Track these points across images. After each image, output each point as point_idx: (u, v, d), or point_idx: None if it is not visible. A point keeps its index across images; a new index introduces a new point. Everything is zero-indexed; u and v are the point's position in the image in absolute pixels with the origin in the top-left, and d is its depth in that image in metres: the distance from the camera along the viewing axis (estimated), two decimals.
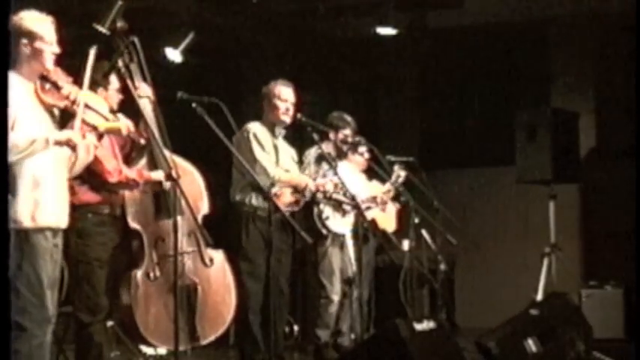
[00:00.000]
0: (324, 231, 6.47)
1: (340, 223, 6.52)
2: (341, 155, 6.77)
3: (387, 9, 8.48)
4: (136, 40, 4.70)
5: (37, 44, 4.14)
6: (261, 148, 5.91)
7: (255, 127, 5.98)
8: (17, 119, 4.02)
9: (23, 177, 4.05)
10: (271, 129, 6.05)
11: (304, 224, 6.25)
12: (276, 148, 6.05)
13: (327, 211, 6.48)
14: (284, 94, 6.05)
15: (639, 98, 6.59)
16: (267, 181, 5.70)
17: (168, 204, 5.08)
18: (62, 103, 4.18)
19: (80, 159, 4.30)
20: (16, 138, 3.96)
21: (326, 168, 6.36)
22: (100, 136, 4.38)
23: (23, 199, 4.05)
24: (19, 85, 4.11)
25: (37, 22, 4.17)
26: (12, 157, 3.94)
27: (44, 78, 4.18)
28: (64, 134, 4.13)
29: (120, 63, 4.69)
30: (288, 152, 6.21)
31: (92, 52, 4.36)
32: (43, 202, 4.10)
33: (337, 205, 6.48)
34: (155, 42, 7.91)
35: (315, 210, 6.45)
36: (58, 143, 4.08)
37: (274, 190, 5.73)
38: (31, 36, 4.14)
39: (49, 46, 4.18)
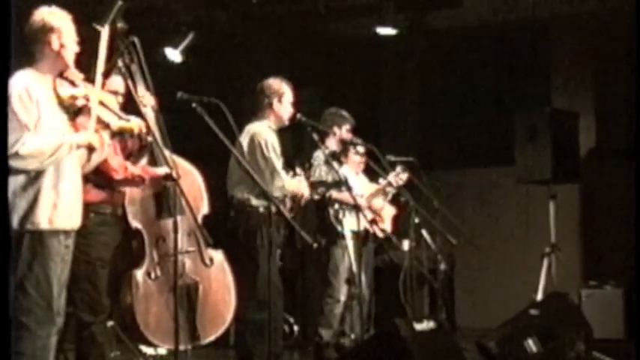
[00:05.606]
0: (340, 229, 6.44)
1: (352, 223, 6.48)
2: (341, 155, 6.76)
3: (387, 9, 8.48)
4: (136, 40, 4.69)
5: (64, 41, 4.11)
6: (278, 158, 5.63)
7: (267, 134, 5.66)
8: (41, 118, 4.00)
9: (44, 180, 4.03)
10: (275, 131, 5.78)
11: (317, 225, 6.24)
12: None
13: (344, 211, 6.45)
14: (291, 94, 5.80)
15: (639, 98, 6.58)
16: (282, 192, 5.53)
17: (169, 203, 5.08)
18: (80, 102, 4.16)
19: (93, 158, 4.30)
20: (41, 144, 3.94)
21: (336, 167, 6.27)
22: (113, 135, 4.37)
23: (43, 201, 4.03)
24: (38, 82, 4.08)
25: (63, 19, 4.15)
26: (38, 164, 3.93)
27: (62, 75, 4.16)
28: (86, 138, 4.09)
29: (120, 63, 4.69)
30: None
31: (103, 39, 4.33)
32: (61, 205, 4.09)
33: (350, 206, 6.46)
34: (155, 42, 7.91)
35: (332, 210, 6.43)
36: (80, 147, 4.07)
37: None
38: (58, 32, 4.10)
39: (73, 43, 4.17)
